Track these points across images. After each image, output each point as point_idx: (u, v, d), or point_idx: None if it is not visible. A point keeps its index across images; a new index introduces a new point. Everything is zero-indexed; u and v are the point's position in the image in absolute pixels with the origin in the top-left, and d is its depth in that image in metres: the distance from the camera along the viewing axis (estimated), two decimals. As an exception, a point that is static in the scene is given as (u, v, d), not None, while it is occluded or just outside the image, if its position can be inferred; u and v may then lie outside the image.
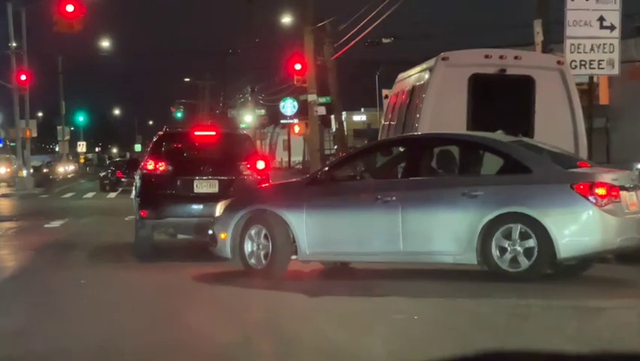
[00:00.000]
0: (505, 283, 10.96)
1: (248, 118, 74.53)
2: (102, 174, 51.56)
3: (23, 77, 48.98)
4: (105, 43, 58.73)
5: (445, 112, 15.47)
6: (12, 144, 57.13)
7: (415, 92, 17.03)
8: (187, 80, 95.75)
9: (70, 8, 32.24)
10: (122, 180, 46.33)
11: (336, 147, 64.19)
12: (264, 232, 12.34)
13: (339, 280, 12.13)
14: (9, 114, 55.97)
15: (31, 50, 51.72)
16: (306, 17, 40.68)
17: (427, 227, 11.71)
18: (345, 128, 60.91)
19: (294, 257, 12.38)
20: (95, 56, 62.77)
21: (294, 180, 14.72)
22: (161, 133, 16.72)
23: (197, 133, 16.52)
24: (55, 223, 24.32)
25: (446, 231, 11.60)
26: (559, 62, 15.94)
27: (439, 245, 11.64)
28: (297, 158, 68.06)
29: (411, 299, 10.25)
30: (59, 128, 76.29)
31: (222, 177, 15.50)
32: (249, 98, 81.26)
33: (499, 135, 12.91)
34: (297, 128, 53.23)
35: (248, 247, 12.39)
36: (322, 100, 42.98)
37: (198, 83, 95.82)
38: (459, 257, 11.57)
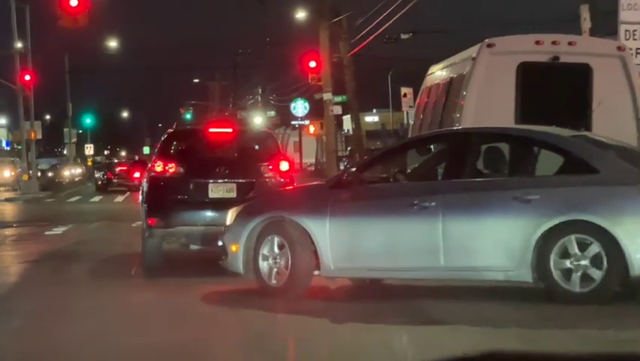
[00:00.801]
0: (575, 306, 9.23)
1: (258, 119, 73.24)
2: (97, 175, 56.40)
3: (27, 77, 47.57)
4: (112, 43, 57.20)
5: (490, 105, 13.77)
6: (20, 147, 55.68)
7: (453, 84, 15.33)
8: (196, 81, 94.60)
9: (74, 2, 30.65)
10: (113, 180, 51.55)
11: (349, 148, 62.85)
12: (281, 243, 10.68)
13: (374, 301, 10.36)
14: (16, 117, 54.53)
15: (37, 50, 50.46)
16: (321, 12, 39.16)
17: (472, 238, 9.95)
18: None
19: (316, 273, 10.68)
20: (103, 56, 61.44)
21: (316, 183, 12.81)
22: (170, 131, 14.75)
23: (211, 130, 14.60)
24: (58, 230, 22.84)
25: (495, 242, 9.84)
26: (619, 48, 14.20)
27: (486, 259, 9.89)
28: (308, 160, 66.60)
29: (480, 330, 8.34)
30: (66, 130, 74.96)
31: (241, 180, 13.65)
32: (259, 99, 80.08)
33: (557, 129, 11.08)
34: (312, 129, 51.86)
35: (263, 261, 10.75)
36: (338, 99, 41.34)
37: (208, 84, 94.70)
38: (511, 273, 9.80)
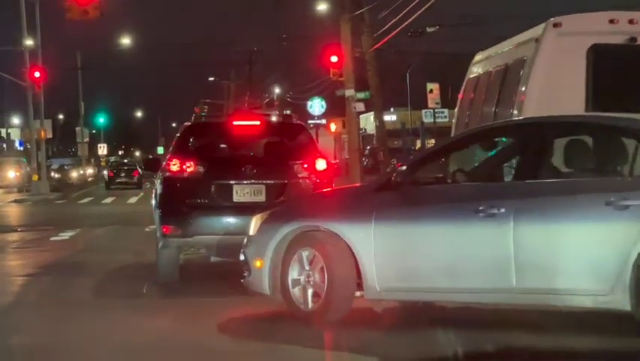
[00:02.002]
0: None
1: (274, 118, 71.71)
2: (105, 173, 62.64)
3: (37, 74, 45.89)
4: (126, 40, 55.77)
5: (557, 92, 11.93)
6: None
7: (510, 71, 13.47)
8: (211, 79, 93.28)
9: (83, -8, 28.98)
10: (115, 179, 57.32)
11: (368, 147, 61.19)
12: (315, 258, 8.85)
13: (432, 331, 8.49)
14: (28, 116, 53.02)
15: (48, 47, 49.04)
16: (343, 4, 37.41)
17: (552, 253, 8.04)
18: (373, 128, 57.87)
19: (358, 294, 8.84)
20: (116, 55, 60.25)
21: (357, 184, 10.78)
22: (188, 124, 12.69)
23: (236, 123, 12.66)
24: (65, 235, 21.13)
25: (582, 259, 7.95)
26: None
27: (570, 280, 7.98)
28: (326, 160, 64.85)
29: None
30: (78, 129, 73.45)
31: (271, 181, 11.77)
32: (275, 98, 78.64)
33: None
34: (333, 126, 50.37)
35: (293, 279, 8.94)
36: (360, 95, 39.56)
37: (223, 83, 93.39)
38: (602, 299, 7.87)
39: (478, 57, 16.32)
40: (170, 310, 10.24)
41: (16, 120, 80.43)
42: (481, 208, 8.34)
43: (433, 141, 71.41)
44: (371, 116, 59.87)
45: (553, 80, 12.13)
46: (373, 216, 8.74)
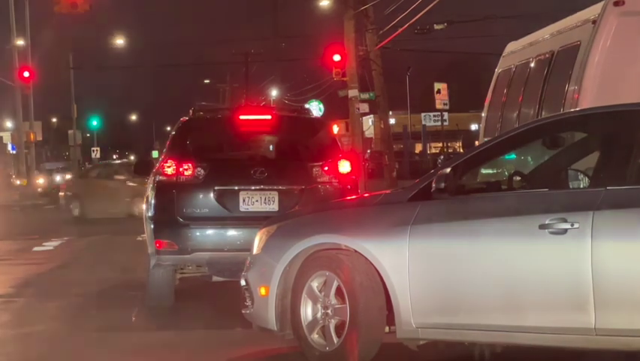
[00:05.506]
0: None
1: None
2: None
3: (26, 74, 44.27)
4: (120, 41, 54.34)
5: (620, 79, 10.39)
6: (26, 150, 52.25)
7: (557, 58, 11.81)
8: (207, 81, 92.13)
9: (72, -16, 27.36)
10: None
11: (369, 151, 59.72)
12: (335, 285, 7.16)
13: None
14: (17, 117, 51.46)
15: (40, 47, 47.70)
16: (346, 0, 35.80)
17: None
18: (373, 132, 56.33)
19: (388, 330, 7.16)
20: (110, 58, 59.17)
21: (387, 192, 8.84)
22: (185, 119, 10.89)
23: (243, 117, 10.87)
24: (50, 245, 19.61)
25: None
26: None
27: None
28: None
29: None
30: (70, 132, 71.78)
31: (284, 187, 10.05)
32: (272, 102, 77.52)
33: None
34: (336, 128, 49.10)
35: (307, 311, 7.27)
36: (365, 96, 37.93)
37: (219, 87, 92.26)
38: None
39: (511, 46, 14.58)
40: (162, 346, 8.50)
41: (9, 124, 78.92)
42: (547, 223, 6.54)
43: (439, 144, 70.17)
44: (369, 119, 58.48)
45: (615, 69, 10.53)
46: (408, 231, 6.97)
